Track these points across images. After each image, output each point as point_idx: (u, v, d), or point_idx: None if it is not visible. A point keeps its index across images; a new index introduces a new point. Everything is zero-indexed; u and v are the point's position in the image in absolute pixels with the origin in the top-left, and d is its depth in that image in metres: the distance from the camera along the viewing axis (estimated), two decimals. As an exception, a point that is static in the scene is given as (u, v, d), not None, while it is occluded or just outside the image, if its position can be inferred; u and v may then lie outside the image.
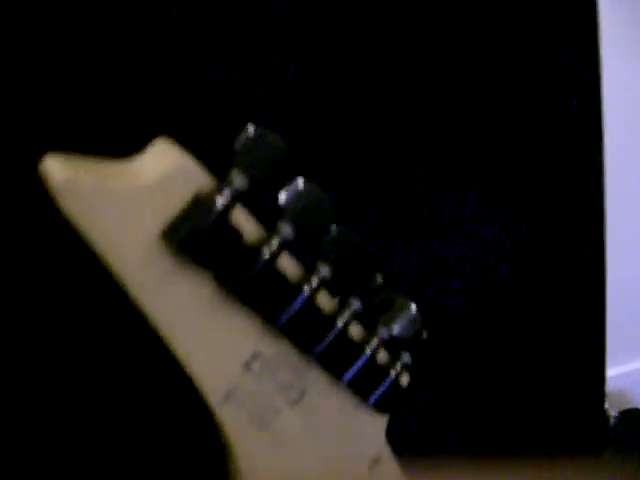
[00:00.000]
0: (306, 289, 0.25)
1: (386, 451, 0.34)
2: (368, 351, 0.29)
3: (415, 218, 0.52)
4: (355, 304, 0.27)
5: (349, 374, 0.29)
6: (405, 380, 0.32)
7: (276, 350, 0.27)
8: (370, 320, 0.29)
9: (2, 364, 0.36)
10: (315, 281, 0.26)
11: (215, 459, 0.30)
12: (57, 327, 0.38)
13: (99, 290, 0.37)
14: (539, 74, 0.56)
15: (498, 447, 0.59)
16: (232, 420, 0.27)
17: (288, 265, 0.26)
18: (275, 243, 0.24)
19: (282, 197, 0.24)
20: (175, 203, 0.22)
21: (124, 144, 0.23)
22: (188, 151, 0.23)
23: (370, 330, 0.29)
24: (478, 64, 0.52)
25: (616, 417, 0.78)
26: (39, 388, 0.38)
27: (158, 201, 0.22)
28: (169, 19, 0.36)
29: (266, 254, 0.24)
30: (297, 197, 0.24)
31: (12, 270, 0.35)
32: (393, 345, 0.30)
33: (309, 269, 0.26)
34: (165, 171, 0.22)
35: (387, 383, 0.31)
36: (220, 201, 0.22)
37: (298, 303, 0.25)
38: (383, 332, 0.29)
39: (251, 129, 0.22)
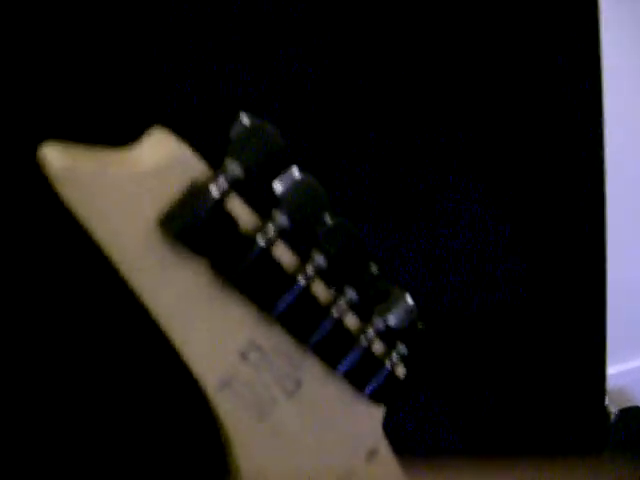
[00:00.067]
0: (301, 278, 0.26)
1: (383, 443, 0.34)
2: (363, 341, 0.29)
3: (416, 214, 0.52)
4: (350, 294, 0.28)
5: (344, 364, 0.29)
6: (401, 371, 0.32)
7: (272, 340, 0.27)
8: (366, 311, 0.29)
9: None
10: (310, 270, 0.26)
11: (215, 454, 0.31)
12: (54, 323, 0.38)
13: (97, 285, 0.37)
14: (540, 71, 0.56)
15: (498, 447, 0.59)
16: (228, 409, 0.27)
17: (283, 254, 0.26)
18: (270, 231, 0.24)
19: (277, 186, 0.24)
20: (172, 191, 0.22)
21: (121, 133, 0.24)
22: (184, 141, 0.23)
23: (366, 321, 0.30)
24: (480, 58, 0.53)
25: (616, 414, 0.78)
26: (35, 382, 0.38)
27: (155, 189, 0.22)
28: (166, 9, 0.36)
29: (262, 242, 0.24)
30: (292, 186, 0.24)
31: (9, 263, 0.35)
32: (388, 336, 0.30)
33: (304, 258, 0.26)
34: (162, 159, 0.22)
35: (383, 374, 0.31)
36: (216, 189, 0.22)
37: (294, 292, 0.26)
38: (378, 322, 0.29)
39: (245, 118, 0.22)
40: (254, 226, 0.24)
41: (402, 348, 0.31)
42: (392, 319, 0.29)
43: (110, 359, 0.39)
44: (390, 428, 0.35)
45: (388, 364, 0.31)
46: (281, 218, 0.24)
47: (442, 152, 0.52)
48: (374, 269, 0.28)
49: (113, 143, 0.23)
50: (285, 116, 0.44)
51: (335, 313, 0.27)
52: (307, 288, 0.26)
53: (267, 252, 0.24)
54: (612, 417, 0.78)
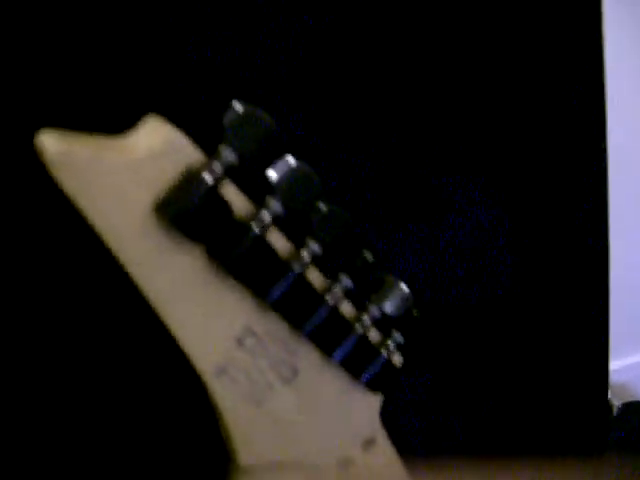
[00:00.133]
0: (296, 265, 0.26)
1: (380, 432, 0.35)
2: (359, 329, 0.29)
3: (417, 209, 0.52)
4: (345, 281, 0.28)
5: (340, 352, 0.29)
6: (398, 360, 0.33)
7: (267, 326, 0.27)
8: (361, 299, 0.30)
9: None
10: (305, 257, 0.26)
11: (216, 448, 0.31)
12: (51, 317, 0.38)
13: (95, 278, 0.38)
14: (542, 66, 0.57)
15: (498, 447, 0.59)
16: (225, 395, 0.28)
17: (278, 242, 0.26)
18: (265, 218, 0.24)
19: (272, 173, 0.25)
20: (167, 177, 0.23)
21: (116, 122, 0.24)
22: (179, 128, 0.23)
23: (361, 309, 0.30)
24: (482, 56, 0.53)
25: (619, 408, 0.78)
26: (34, 380, 0.38)
27: (150, 175, 0.23)
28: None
29: (256, 229, 0.24)
30: (287, 173, 0.25)
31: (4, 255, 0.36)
32: (384, 324, 0.30)
33: (299, 246, 0.26)
34: (157, 146, 0.23)
35: (379, 362, 0.31)
36: (210, 175, 0.23)
37: (288, 279, 0.26)
38: (374, 310, 0.30)
39: (238, 105, 0.23)
40: (248, 213, 0.25)
41: (398, 336, 0.31)
42: (387, 306, 0.30)
43: (109, 354, 0.40)
44: (390, 428, 0.35)
45: (384, 352, 0.31)
46: (275, 205, 0.25)
47: (443, 147, 0.53)
48: (369, 257, 0.28)
49: (109, 132, 0.23)
50: (285, 110, 0.44)
51: (330, 300, 0.28)
52: (302, 275, 0.26)
53: (261, 239, 0.25)
54: (615, 410, 0.79)
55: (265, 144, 0.23)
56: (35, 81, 0.33)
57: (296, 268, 0.26)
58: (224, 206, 0.24)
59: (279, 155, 0.24)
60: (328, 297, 0.28)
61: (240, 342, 0.27)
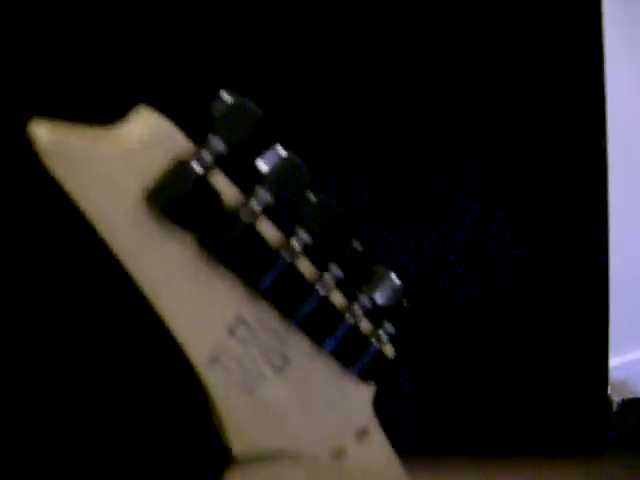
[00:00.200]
0: (286, 254, 0.26)
1: (373, 423, 0.35)
2: (350, 319, 0.30)
3: (417, 204, 0.53)
4: (336, 271, 0.28)
5: (331, 341, 0.30)
6: (390, 350, 0.33)
7: (258, 315, 0.28)
8: (352, 289, 0.30)
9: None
10: (295, 246, 0.27)
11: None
12: (48, 315, 0.38)
13: (91, 277, 0.38)
14: (543, 63, 0.57)
15: (498, 443, 0.59)
16: (218, 384, 0.28)
17: (268, 231, 0.27)
18: (254, 206, 0.25)
19: (261, 163, 0.25)
20: (157, 167, 0.23)
21: (107, 114, 0.25)
22: (169, 119, 0.24)
23: (352, 299, 0.30)
24: (484, 54, 0.53)
25: (619, 403, 0.78)
26: (33, 379, 0.38)
27: (141, 164, 0.23)
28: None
29: (245, 217, 0.25)
30: (276, 163, 0.25)
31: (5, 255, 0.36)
32: (375, 314, 0.31)
33: (289, 235, 0.27)
34: (148, 136, 0.23)
35: (371, 352, 0.32)
36: (199, 164, 0.23)
37: (278, 268, 0.26)
38: (364, 300, 0.30)
39: (227, 95, 0.23)
40: (238, 202, 0.25)
41: (389, 327, 0.32)
42: (378, 297, 0.30)
43: (104, 349, 0.40)
44: (390, 428, 0.35)
45: (375, 342, 0.31)
46: (265, 194, 0.25)
47: (443, 144, 0.53)
48: (358, 246, 0.28)
49: (100, 122, 0.24)
50: (285, 107, 0.44)
51: (321, 290, 0.28)
52: (292, 264, 0.27)
53: (251, 227, 0.25)
54: (614, 406, 0.79)
55: (254, 133, 0.24)
56: (26, 73, 0.33)
57: (286, 257, 0.26)
58: (214, 195, 0.24)
59: (268, 143, 0.25)
60: (318, 286, 0.28)
61: (232, 331, 0.27)
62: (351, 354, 0.31)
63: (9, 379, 0.37)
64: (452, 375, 0.58)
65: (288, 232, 0.27)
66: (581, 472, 0.53)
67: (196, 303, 0.26)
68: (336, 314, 0.29)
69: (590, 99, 0.61)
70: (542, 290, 0.61)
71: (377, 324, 0.32)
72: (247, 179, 0.25)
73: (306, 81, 0.45)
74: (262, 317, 0.28)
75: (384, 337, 0.32)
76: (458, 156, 0.54)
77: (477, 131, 0.54)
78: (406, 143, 0.51)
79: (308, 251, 0.27)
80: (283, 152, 0.25)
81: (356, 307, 0.30)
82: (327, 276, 0.28)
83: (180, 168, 0.23)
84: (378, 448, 0.36)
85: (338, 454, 0.34)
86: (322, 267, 0.29)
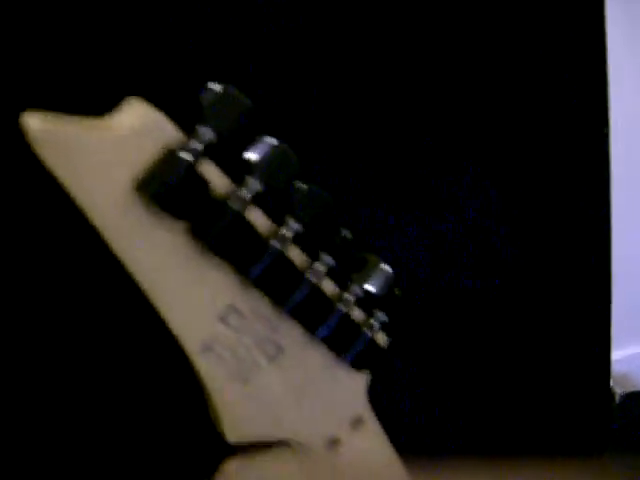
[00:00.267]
0: (276, 242, 0.27)
1: (368, 412, 0.35)
2: (341, 307, 0.30)
3: (417, 199, 0.53)
4: (327, 259, 0.29)
5: (323, 330, 0.30)
6: (383, 339, 0.33)
7: (251, 303, 0.28)
8: (343, 278, 0.30)
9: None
10: (285, 234, 0.27)
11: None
12: (47, 314, 0.39)
13: (88, 277, 0.38)
14: (544, 61, 0.57)
15: (499, 439, 0.59)
16: (212, 372, 0.28)
17: (258, 219, 0.27)
18: (244, 195, 0.25)
19: (250, 152, 0.25)
20: (147, 156, 0.24)
21: (98, 105, 0.25)
22: (159, 109, 0.24)
23: (343, 288, 0.30)
24: (485, 54, 0.53)
25: (621, 396, 0.78)
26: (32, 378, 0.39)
27: (131, 153, 0.23)
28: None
29: (235, 205, 0.25)
30: (265, 152, 0.25)
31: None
32: (367, 302, 0.31)
33: (279, 223, 0.27)
34: (138, 125, 0.23)
35: (363, 341, 0.32)
36: (188, 153, 0.24)
37: (269, 256, 0.27)
38: (356, 289, 0.30)
39: (217, 86, 0.24)
40: (228, 191, 0.25)
41: (382, 316, 0.32)
42: (369, 285, 0.30)
43: (101, 343, 0.40)
44: (390, 428, 0.36)
45: (368, 331, 0.32)
46: (254, 183, 0.25)
47: (444, 139, 0.53)
48: (347, 235, 0.29)
49: (91, 114, 0.24)
50: (285, 107, 0.44)
51: (311, 278, 0.28)
52: (282, 252, 0.27)
53: (240, 216, 0.25)
54: (617, 399, 0.79)
55: (243, 122, 0.24)
56: (19, 67, 0.34)
57: (276, 245, 0.27)
58: (203, 184, 0.24)
59: (258, 134, 0.25)
60: (309, 275, 0.28)
61: (224, 319, 0.28)
62: (343, 342, 0.31)
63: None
64: (453, 369, 0.58)
65: (279, 221, 0.28)
66: (581, 472, 0.53)
67: (188, 291, 0.26)
68: (328, 302, 0.30)
69: (591, 99, 0.61)
70: (544, 284, 0.61)
71: (369, 313, 0.32)
72: (239, 170, 0.26)
73: (306, 81, 0.46)
74: (254, 305, 0.28)
75: (376, 325, 0.32)
76: (459, 153, 0.54)
77: (477, 130, 0.55)
78: (407, 141, 0.51)
79: (299, 240, 0.28)
80: (273, 141, 0.25)
81: (348, 295, 0.30)
82: (318, 264, 0.29)
83: (170, 157, 0.24)
84: (373, 437, 0.36)
85: (333, 443, 0.34)
86: (314, 256, 0.29)
